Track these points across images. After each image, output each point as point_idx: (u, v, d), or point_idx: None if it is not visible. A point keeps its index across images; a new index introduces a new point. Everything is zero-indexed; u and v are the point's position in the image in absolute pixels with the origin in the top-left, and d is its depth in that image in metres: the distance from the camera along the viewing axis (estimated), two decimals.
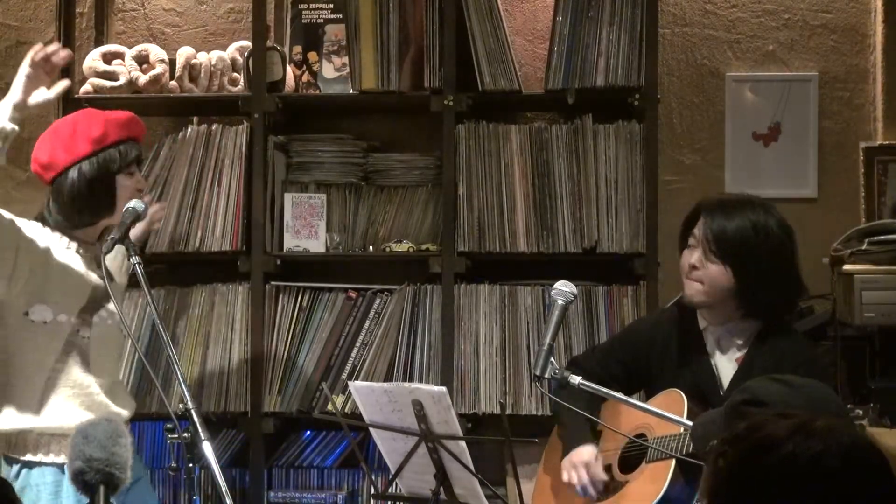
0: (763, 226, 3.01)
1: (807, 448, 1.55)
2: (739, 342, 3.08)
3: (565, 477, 3.09)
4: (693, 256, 3.05)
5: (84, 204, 3.15)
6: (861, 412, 2.79)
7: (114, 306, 3.10)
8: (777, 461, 1.55)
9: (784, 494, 1.54)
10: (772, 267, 3.00)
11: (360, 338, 4.01)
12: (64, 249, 3.16)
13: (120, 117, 3.24)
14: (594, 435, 3.15)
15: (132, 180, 3.19)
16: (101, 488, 2.06)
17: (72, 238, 3.19)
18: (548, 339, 2.81)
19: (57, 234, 3.17)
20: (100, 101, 4.07)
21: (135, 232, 3.25)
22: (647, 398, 3.16)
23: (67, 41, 4.13)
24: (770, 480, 1.55)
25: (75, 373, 3.13)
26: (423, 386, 2.86)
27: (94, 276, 3.17)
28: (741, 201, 3.08)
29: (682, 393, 3.00)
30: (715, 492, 1.60)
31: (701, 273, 3.03)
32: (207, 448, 2.57)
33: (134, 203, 3.04)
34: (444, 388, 2.81)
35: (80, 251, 3.18)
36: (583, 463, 3.07)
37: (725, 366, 3.08)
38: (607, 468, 3.13)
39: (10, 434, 3.10)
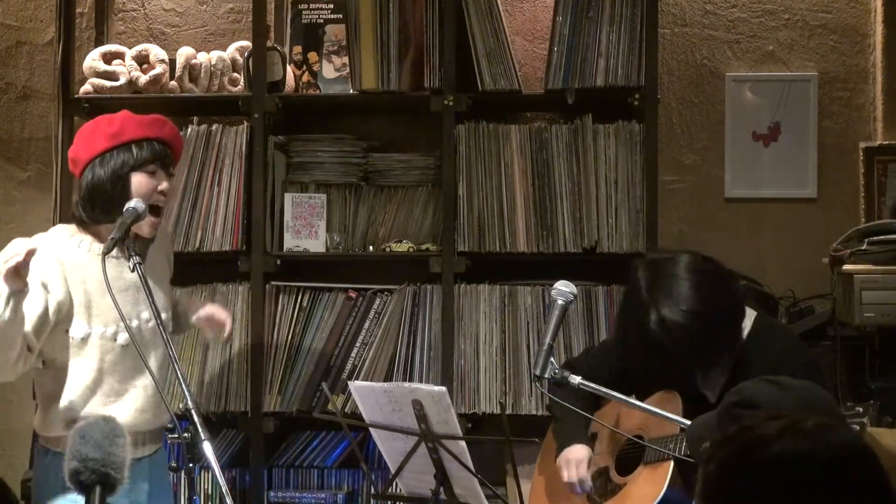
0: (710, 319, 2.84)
1: (796, 447, 1.53)
2: None
3: (563, 475, 3.09)
4: None
5: (98, 199, 3.11)
6: (861, 409, 2.78)
7: (150, 312, 3.03)
8: (767, 461, 1.53)
9: (775, 494, 1.52)
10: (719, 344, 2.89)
11: (360, 338, 4.01)
12: (87, 261, 3.10)
13: (143, 118, 3.20)
14: (590, 438, 3.16)
15: (151, 179, 3.13)
16: (98, 489, 2.05)
17: (99, 239, 3.13)
18: (548, 339, 2.80)
19: (78, 239, 3.14)
20: (100, 101, 4.08)
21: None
22: (640, 400, 3.14)
23: (67, 41, 4.14)
24: (761, 481, 1.53)
25: (111, 381, 3.13)
26: (423, 386, 2.85)
27: (123, 280, 3.09)
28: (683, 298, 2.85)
29: (677, 394, 2.99)
30: (708, 495, 1.58)
31: None
32: (207, 448, 2.57)
33: (133, 203, 3.03)
34: (444, 388, 2.80)
35: (115, 256, 3.07)
36: (577, 460, 3.09)
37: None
38: (604, 470, 3.13)
39: (53, 439, 3.13)
